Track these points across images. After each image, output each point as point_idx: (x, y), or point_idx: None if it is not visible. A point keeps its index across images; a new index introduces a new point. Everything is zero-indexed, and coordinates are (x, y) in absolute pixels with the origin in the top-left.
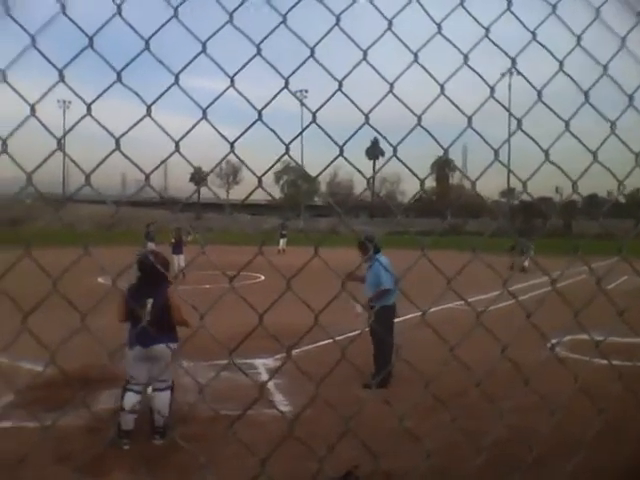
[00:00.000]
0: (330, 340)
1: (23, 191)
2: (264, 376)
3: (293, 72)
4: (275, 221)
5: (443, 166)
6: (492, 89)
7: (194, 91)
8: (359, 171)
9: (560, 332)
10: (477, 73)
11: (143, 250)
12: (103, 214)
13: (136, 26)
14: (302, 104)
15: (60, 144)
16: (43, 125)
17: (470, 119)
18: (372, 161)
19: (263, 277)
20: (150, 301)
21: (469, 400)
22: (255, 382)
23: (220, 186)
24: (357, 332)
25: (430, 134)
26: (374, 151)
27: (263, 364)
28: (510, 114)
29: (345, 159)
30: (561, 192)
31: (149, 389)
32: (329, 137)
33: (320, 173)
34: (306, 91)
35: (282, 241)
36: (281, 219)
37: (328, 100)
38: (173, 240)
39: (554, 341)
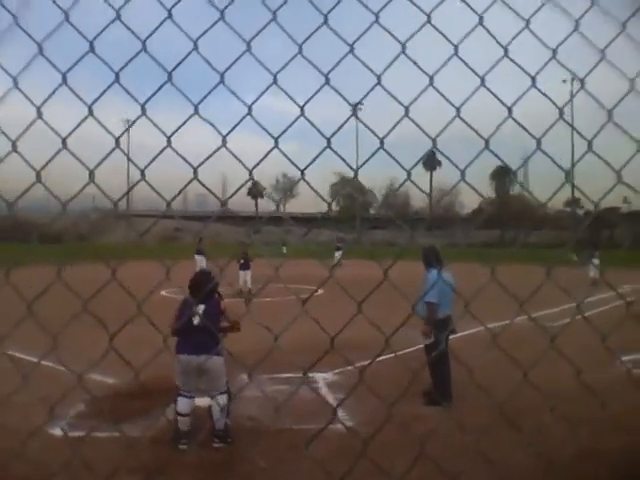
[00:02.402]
0: (388, 355)
1: (96, 207)
2: (324, 390)
3: (362, 99)
4: (330, 234)
5: (503, 176)
6: (561, 111)
7: (258, 110)
8: (420, 188)
9: (634, 349)
10: (547, 97)
11: (195, 271)
12: (164, 227)
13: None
14: (369, 130)
15: (143, 174)
16: (124, 152)
17: (539, 141)
18: (429, 172)
19: (321, 291)
20: (202, 307)
21: (538, 419)
22: (323, 400)
23: (277, 200)
24: (414, 348)
25: (499, 157)
26: (431, 162)
27: (323, 378)
28: (580, 135)
29: (412, 182)
30: (629, 202)
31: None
32: (397, 162)
33: (396, 189)
34: (362, 104)
35: (337, 253)
36: (337, 232)
37: (395, 126)
38: (242, 260)
39: (627, 359)
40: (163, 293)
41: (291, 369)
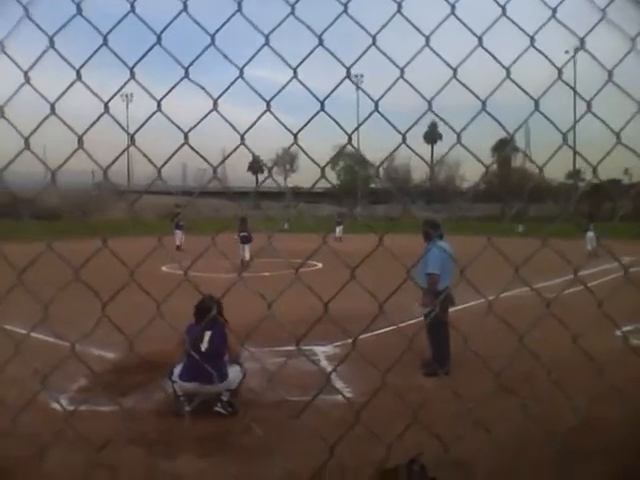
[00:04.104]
0: (388, 327)
1: (97, 184)
2: (323, 363)
3: (355, 61)
4: (331, 208)
5: (505, 148)
6: (560, 71)
7: (255, 82)
8: (422, 158)
9: (633, 319)
10: (545, 56)
11: (202, 296)
12: (165, 204)
13: (202, 22)
14: (365, 94)
15: (132, 139)
16: (117, 122)
17: (537, 102)
18: (430, 145)
19: (321, 265)
20: (208, 333)
21: (536, 387)
22: (321, 370)
23: (277, 174)
24: (415, 320)
25: (496, 120)
26: (432, 135)
27: (322, 351)
28: (579, 97)
29: (408, 146)
30: (631, 174)
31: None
32: (391, 125)
33: (381, 163)
34: (362, 76)
35: (338, 228)
36: (337, 206)
37: (390, 88)
38: (242, 233)
39: (626, 328)
40: (164, 269)
41: (292, 342)
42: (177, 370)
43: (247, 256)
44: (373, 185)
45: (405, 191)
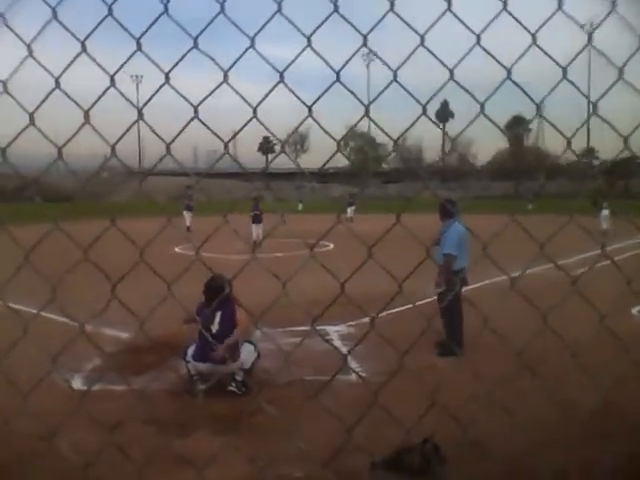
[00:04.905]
0: (403, 307)
1: (106, 163)
2: (337, 343)
3: (371, 29)
4: (343, 189)
5: (517, 126)
6: (590, 35)
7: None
8: (445, 133)
9: None
10: (569, 16)
11: (211, 275)
12: (176, 185)
13: None
14: (383, 62)
15: (141, 114)
16: (124, 96)
17: (565, 71)
18: (442, 124)
19: (332, 245)
20: (219, 314)
21: (554, 369)
22: (337, 351)
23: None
24: (427, 300)
25: (523, 90)
26: (444, 113)
27: (335, 331)
28: (610, 62)
29: (428, 117)
30: None
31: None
32: (413, 98)
33: (401, 136)
34: (369, 53)
35: (350, 209)
36: (348, 186)
37: (410, 55)
38: (254, 211)
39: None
40: (177, 250)
41: (306, 322)
42: (190, 350)
43: (261, 235)
44: (384, 165)
45: (418, 170)
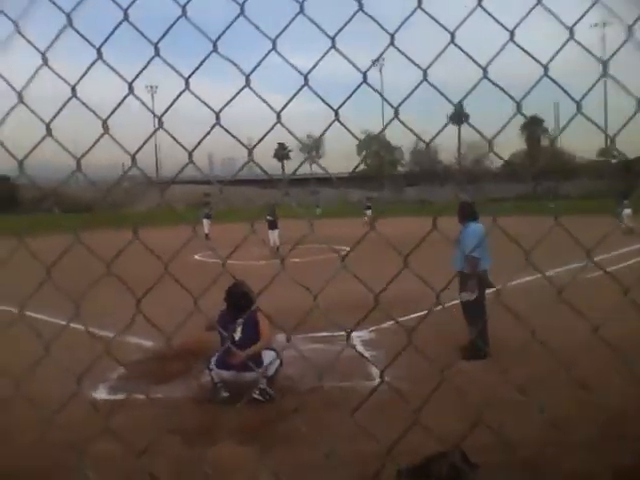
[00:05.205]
0: (420, 312)
1: (127, 173)
2: (359, 348)
3: (400, 26)
4: (361, 193)
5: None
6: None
7: (282, 68)
8: (483, 133)
9: None
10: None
11: (234, 281)
12: (195, 193)
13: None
14: (412, 62)
15: (161, 122)
16: (144, 105)
17: (546, 67)
18: (457, 127)
19: (349, 249)
20: (241, 321)
21: (580, 373)
22: (360, 356)
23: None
24: (453, 302)
25: (558, 84)
26: (459, 116)
27: (358, 336)
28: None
29: (464, 119)
30: None
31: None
32: (446, 99)
33: (432, 139)
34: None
35: (368, 213)
36: (365, 191)
37: (440, 53)
38: (268, 217)
39: None
40: (197, 257)
41: (326, 328)
42: (214, 359)
43: (277, 241)
44: (400, 169)
45: (434, 173)
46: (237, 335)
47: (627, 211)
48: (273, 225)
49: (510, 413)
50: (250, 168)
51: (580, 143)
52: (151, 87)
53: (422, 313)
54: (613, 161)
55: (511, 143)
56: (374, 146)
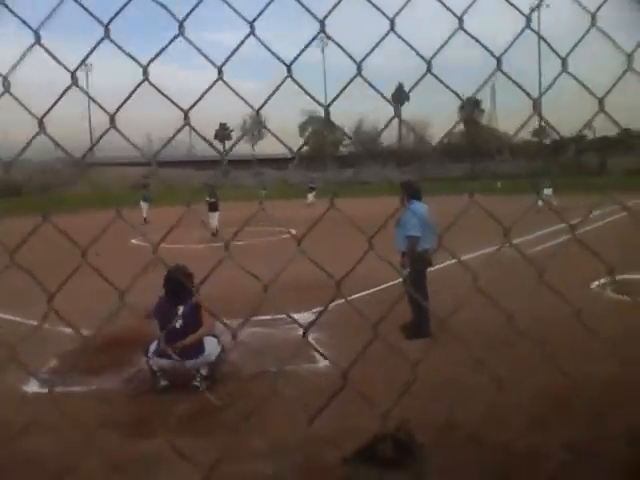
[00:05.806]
0: (365, 292)
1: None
2: (301, 331)
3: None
4: (302, 174)
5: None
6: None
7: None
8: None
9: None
10: (513, 5)
11: (170, 265)
12: (129, 175)
13: None
14: (380, 12)
15: (113, 120)
16: (86, 94)
17: (499, 61)
18: (399, 106)
19: (295, 231)
20: (180, 308)
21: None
22: (302, 338)
23: (245, 142)
24: (393, 282)
25: (510, 77)
26: (399, 96)
27: (300, 318)
28: (556, 54)
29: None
30: (594, 129)
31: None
32: (450, 90)
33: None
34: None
35: (310, 195)
36: (308, 172)
37: (444, 44)
38: (208, 198)
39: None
40: (133, 241)
41: (267, 311)
42: (153, 347)
43: (216, 224)
44: (342, 149)
45: (375, 154)
46: (178, 323)
47: (547, 191)
48: (214, 207)
49: (452, 392)
50: (190, 149)
51: (516, 124)
52: (85, 65)
53: (365, 293)
54: (547, 141)
55: (450, 125)
56: (316, 125)
